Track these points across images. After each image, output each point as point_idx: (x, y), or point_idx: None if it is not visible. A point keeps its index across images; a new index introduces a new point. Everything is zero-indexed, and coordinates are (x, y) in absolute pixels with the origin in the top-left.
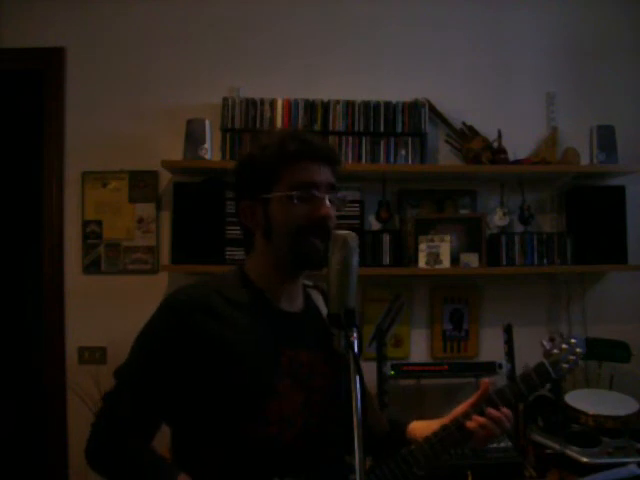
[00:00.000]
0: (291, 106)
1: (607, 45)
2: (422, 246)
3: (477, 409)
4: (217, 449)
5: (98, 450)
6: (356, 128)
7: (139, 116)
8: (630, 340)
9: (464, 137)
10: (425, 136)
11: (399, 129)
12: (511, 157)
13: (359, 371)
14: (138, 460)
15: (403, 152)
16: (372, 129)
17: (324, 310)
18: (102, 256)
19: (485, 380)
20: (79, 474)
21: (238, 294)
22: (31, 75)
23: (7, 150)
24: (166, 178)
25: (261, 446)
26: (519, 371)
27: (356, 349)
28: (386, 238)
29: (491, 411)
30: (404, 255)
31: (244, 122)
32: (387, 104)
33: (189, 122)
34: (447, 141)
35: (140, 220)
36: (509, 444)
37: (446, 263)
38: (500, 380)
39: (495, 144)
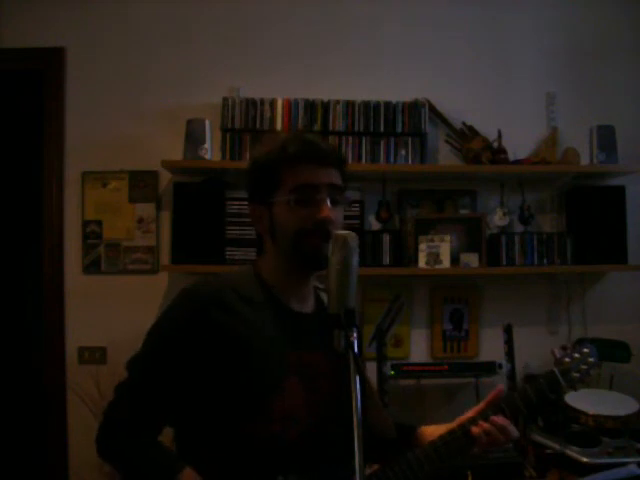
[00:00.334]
0: (291, 106)
1: (607, 45)
2: (422, 246)
3: (483, 415)
4: (221, 446)
5: (108, 440)
6: (356, 128)
7: (139, 116)
8: (630, 340)
9: (464, 137)
10: (425, 136)
11: (399, 129)
12: (511, 157)
13: (361, 371)
14: (146, 451)
15: (403, 152)
16: (372, 129)
17: None
18: (102, 256)
19: (500, 386)
20: (79, 474)
21: (250, 291)
22: (31, 75)
23: (7, 150)
24: (166, 178)
25: (265, 443)
26: (519, 371)
27: (356, 349)
28: (386, 238)
29: (496, 419)
30: (404, 255)
31: (244, 122)
32: (387, 104)
33: (189, 122)
34: (447, 141)
35: (140, 220)
36: (509, 444)
37: (446, 263)
38: (500, 380)
39: (495, 144)
